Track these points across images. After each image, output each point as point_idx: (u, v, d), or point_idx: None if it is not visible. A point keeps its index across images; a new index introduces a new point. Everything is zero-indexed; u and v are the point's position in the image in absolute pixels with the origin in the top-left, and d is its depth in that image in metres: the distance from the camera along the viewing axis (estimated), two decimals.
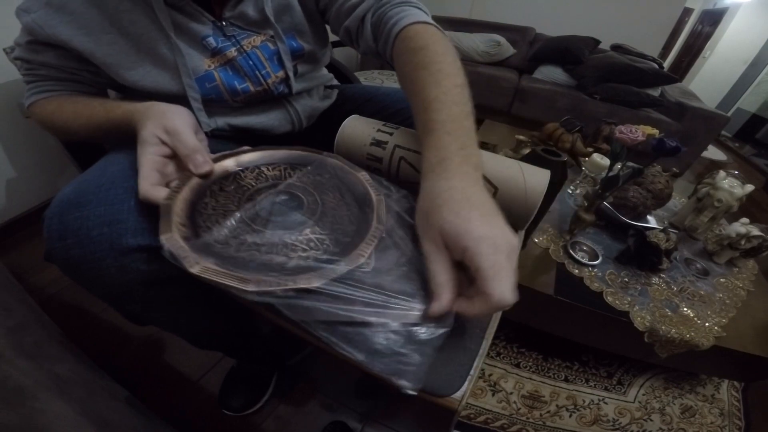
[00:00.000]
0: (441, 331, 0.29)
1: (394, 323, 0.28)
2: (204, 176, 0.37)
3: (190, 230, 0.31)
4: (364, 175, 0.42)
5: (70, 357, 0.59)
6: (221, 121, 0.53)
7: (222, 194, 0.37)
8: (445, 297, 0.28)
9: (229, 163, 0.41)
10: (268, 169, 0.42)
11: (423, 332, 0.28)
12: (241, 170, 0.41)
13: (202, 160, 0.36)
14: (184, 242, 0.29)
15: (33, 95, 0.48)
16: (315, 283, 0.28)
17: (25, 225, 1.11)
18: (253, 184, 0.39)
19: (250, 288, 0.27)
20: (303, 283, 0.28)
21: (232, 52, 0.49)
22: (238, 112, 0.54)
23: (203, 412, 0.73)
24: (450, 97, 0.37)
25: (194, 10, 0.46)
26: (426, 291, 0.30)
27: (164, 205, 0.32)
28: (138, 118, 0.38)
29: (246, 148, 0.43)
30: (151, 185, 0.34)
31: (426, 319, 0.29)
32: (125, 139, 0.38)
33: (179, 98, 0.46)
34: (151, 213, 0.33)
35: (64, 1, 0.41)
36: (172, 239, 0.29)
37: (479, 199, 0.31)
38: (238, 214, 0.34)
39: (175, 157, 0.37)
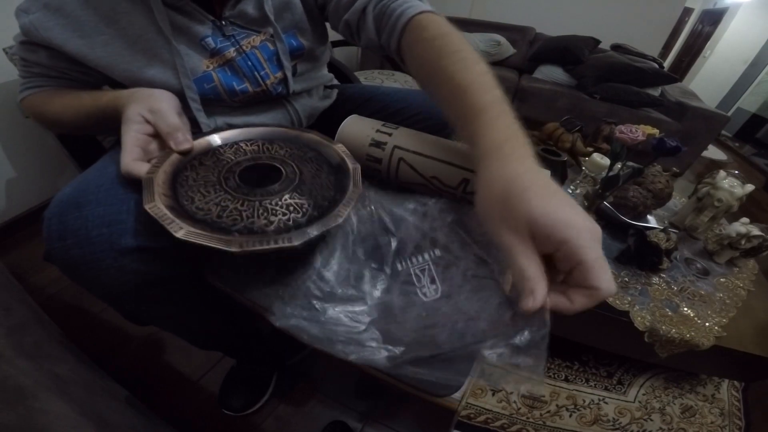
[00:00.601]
0: (542, 331, 0.27)
1: (488, 345, 0.28)
2: (184, 153, 0.38)
3: (172, 200, 0.33)
4: (340, 147, 0.44)
5: (70, 357, 0.59)
6: (220, 121, 0.53)
7: (202, 168, 0.38)
8: (539, 291, 0.26)
9: (209, 140, 0.42)
10: (247, 145, 0.43)
11: (522, 339, 0.27)
12: (220, 146, 0.42)
13: (182, 138, 0.38)
14: (168, 210, 0.30)
15: (25, 90, 0.49)
16: (295, 243, 0.30)
17: (25, 225, 1.11)
18: (232, 158, 0.40)
19: (234, 249, 0.28)
20: (284, 243, 0.29)
21: (231, 52, 0.49)
22: (238, 111, 0.54)
23: (203, 412, 0.73)
24: (486, 80, 0.35)
25: (193, 10, 0.45)
26: (502, 297, 0.30)
27: (146, 178, 0.33)
28: (124, 101, 0.38)
29: (224, 127, 0.45)
30: (133, 160, 0.34)
31: (520, 324, 0.28)
32: (115, 127, 0.38)
33: (178, 98, 0.46)
34: None
35: (62, 2, 0.41)
36: (156, 207, 0.30)
37: (556, 187, 0.28)
38: (218, 184, 0.36)
39: (157, 136, 0.38)
